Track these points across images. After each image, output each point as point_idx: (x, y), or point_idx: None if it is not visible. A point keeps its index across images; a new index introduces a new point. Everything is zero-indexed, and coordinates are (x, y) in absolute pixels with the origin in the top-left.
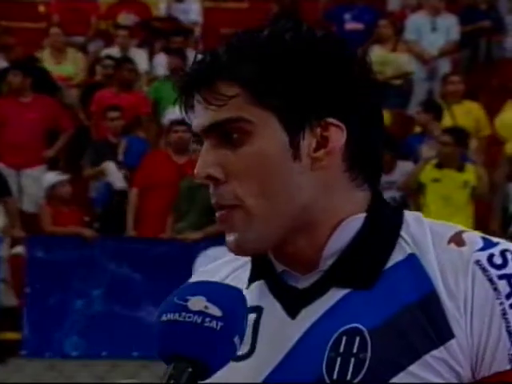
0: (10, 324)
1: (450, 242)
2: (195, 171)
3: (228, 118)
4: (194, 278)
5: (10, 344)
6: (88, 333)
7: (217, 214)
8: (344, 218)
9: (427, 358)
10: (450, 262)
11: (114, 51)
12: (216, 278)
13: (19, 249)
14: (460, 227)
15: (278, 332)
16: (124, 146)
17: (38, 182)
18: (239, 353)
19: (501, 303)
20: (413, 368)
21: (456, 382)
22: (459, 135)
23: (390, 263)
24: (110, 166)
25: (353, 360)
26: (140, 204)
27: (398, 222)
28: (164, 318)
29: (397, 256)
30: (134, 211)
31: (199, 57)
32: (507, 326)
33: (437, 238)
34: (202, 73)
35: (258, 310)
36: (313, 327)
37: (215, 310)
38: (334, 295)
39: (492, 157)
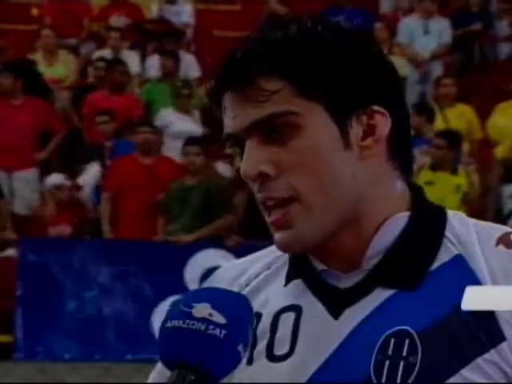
0: (2, 327)
1: (498, 243)
2: (243, 170)
3: (274, 113)
4: (221, 272)
5: (1, 347)
6: (80, 335)
7: (269, 214)
8: (389, 211)
9: (479, 361)
10: (499, 264)
11: (106, 53)
12: (247, 274)
13: (11, 251)
14: (507, 228)
15: (321, 332)
16: (109, 149)
17: (30, 184)
18: (278, 352)
19: None
20: (464, 371)
21: (504, 382)
22: (452, 138)
23: (436, 264)
24: (94, 168)
25: (402, 363)
26: (114, 207)
27: (442, 221)
28: (169, 324)
29: (443, 257)
30: (109, 215)
31: (229, 56)
32: None
33: (483, 238)
34: (240, 70)
35: (296, 309)
36: (358, 328)
37: (219, 318)
38: (379, 296)
39: (484, 160)
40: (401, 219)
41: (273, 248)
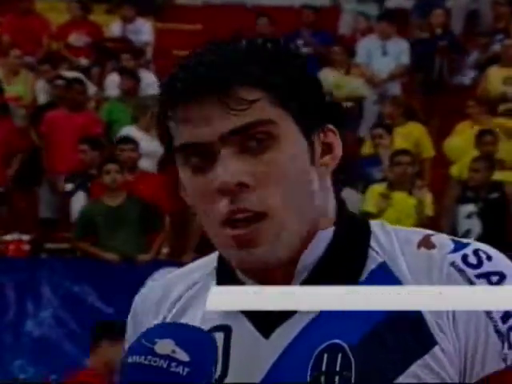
0: None
1: (419, 246)
2: (221, 180)
3: (258, 120)
4: (140, 300)
5: None
6: (37, 355)
7: (233, 228)
8: (324, 225)
9: (413, 368)
10: (420, 264)
11: (65, 72)
12: (170, 298)
13: None
14: (426, 231)
15: (252, 353)
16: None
17: None
18: None
19: None
20: (400, 380)
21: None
22: (412, 156)
23: (365, 275)
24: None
25: (337, 378)
26: None
27: (367, 232)
28: (130, 359)
29: (370, 266)
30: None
31: (192, 64)
32: (495, 326)
33: (405, 244)
34: (216, 78)
35: (225, 329)
36: (290, 346)
37: (183, 355)
38: (310, 312)
39: (439, 180)
40: (327, 232)
41: (191, 267)
